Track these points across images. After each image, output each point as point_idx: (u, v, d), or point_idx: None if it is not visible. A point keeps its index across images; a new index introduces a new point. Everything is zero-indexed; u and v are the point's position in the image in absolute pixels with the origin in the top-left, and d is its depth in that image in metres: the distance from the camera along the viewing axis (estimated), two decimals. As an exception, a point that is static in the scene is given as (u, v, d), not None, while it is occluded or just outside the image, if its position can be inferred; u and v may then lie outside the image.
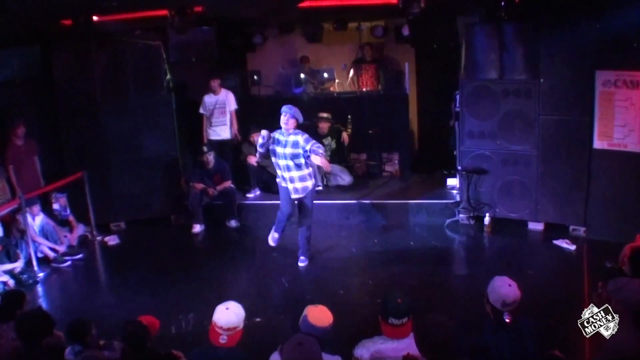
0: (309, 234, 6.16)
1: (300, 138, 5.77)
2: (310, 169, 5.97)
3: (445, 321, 2.66)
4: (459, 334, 2.64)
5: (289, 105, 5.89)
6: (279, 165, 5.93)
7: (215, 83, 8.02)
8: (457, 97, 8.28)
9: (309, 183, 5.96)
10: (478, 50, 6.83)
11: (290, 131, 5.80)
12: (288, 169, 5.86)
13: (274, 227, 6.23)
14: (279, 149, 5.85)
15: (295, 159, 5.80)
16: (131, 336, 3.34)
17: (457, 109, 8.31)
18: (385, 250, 6.66)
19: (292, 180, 5.90)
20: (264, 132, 5.88)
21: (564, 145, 6.50)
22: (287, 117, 5.79)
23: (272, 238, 6.25)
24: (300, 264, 6.15)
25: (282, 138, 5.83)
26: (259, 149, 5.98)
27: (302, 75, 9.27)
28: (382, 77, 9.02)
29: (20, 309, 3.83)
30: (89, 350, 3.57)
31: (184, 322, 5.02)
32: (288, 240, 6.37)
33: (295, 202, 6.06)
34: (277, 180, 6.13)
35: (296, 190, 5.93)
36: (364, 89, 9.18)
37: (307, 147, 5.70)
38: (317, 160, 5.71)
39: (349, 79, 9.42)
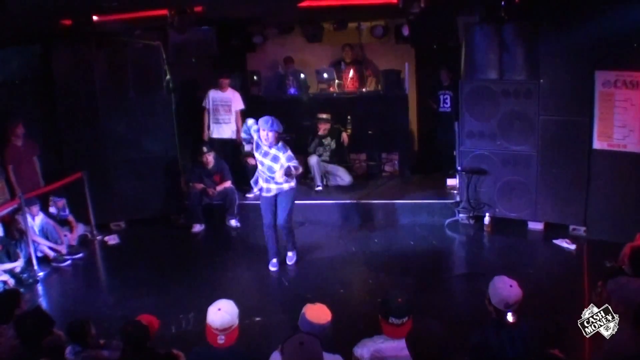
0: (290, 230, 6.03)
1: (282, 155, 5.66)
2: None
3: (437, 327, 2.66)
4: (451, 340, 2.64)
5: (266, 119, 5.63)
6: (262, 163, 5.83)
7: (225, 82, 8.02)
8: (442, 97, 8.41)
9: (293, 183, 5.86)
10: (478, 50, 6.83)
11: (272, 144, 5.68)
12: (270, 170, 5.79)
13: (270, 255, 6.11)
14: (259, 156, 5.80)
15: (273, 171, 5.74)
16: (131, 336, 3.34)
17: (442, 110, 8.44)
18: (385, 249, 6.66)
19: (277, 182, 5.82)
20: (250, 121, 5.80)
21: (564, 145, 6.49)
22: (267, 132, 5.59)
23: (272, 264, 6.11)
24: (289, 262, 6.10)
25: (263, 147, 5.74)
26: (242, 134, 5.91)
27: (302, 76, 9.29)
28: (382, 77, 9.03)
29: (18, 308, 3.82)
30: (89, 350, 3.58)
31: (184, 321, 5.01)
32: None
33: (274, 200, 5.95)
34: (260, 187, 5.98)
35: (277, 184, 5.83)
36: (346, 90, 9.18)
37: (287, 165, 5.63)
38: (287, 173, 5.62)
39: (349, 79, 9.42)
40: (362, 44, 9.65)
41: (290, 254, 6.17)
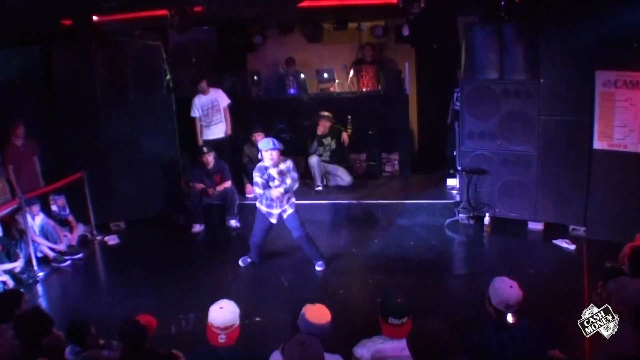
0: (309, 239, 6.05)
1: (290, 164, 5.77)
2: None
3: (438, 326, 2.65)
4: (451, 340, 2.63)
5: (268, 140, 5.66)
6: (273, 197, 5.79)
7: (204, 84, 7.98)
8: (456, 94, 8.36)
9: (294, 199, 5.95)
10: (478, 50, 6.82)
11: (278, 163, 5.71)
12: (282, 195, 5.81)
13: (251, 253, 6.22)
14: (275, 183, 5.76)
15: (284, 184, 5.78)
16: (129, 336, 3.34)
17: (456, 107, 8.38)
18: (385, 250, 6.66)
19: (281, 205, 5.86)
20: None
21: (564, 145, 6.49)
22: (273, 152, 5.60)
23: (243, 260, 6.26)
24: (318, 268, 6.04)
25: (272, 172, 5.72)
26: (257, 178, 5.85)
27: (302, 76, 9.30)
28: (382, 77, 9.03)
29: (19, 308, 3.83)
30: (89, 350, 3.58)
31: (184, 322, 5.01)
32: (287, 240, 6.36)
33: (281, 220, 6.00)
34: (258, 206, 5.97)
35: (285, 211, 5.89)
36: (364, 90, 9.19)
37: (289, 177, 5.73)
38: (277, 191, 5.71)
39: (349, 79, 9.43)
40: (382, 44, 9.66)
41: (319, 262, 6.07)
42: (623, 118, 6.08)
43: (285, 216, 5.93)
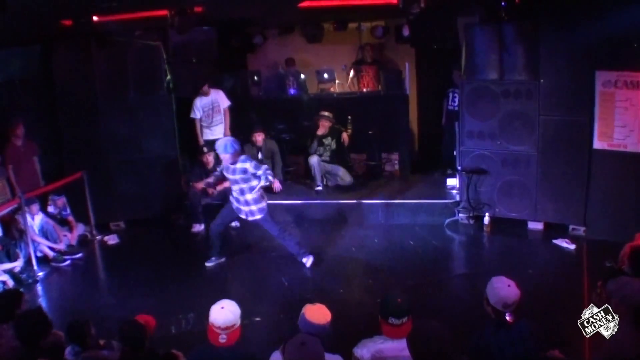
0: (291, 237, 6.15)
1: (249, 165, 5.76)
2: (261, 190, 5.93)
3: (439, 328, 2.65)
4: (451, 340, 2.63)
5: (219, 144, 5.79)
6: (233, 190, 5.97)
7: (206, 88, 8.03)
8: (450, 95, 8.39)
9: (264, 203, 5.98)
10: (478, 50, 6.83)
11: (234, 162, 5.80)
12: (242, 192, 5.86)
13: (212, 251, 6.31)
14: (230, 176, 5.90)
15: (247, 182, 5.81)
16: (128, 336, 3.33)
17: (450, 108, 8.41)
18: (385, 250, 6.66)
19: (247, 204, 5.90)
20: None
21: (564, 145, 6.49)
22: (222, 155, 5.75)
23: (210, 261, 6.32)
24: (306, 263, 6.08)
25: (232, 167, 5.84)
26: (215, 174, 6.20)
27: (302, 76, 9.30)
28: (382, 77, 9.03)
29: (19, 308, 3.82)
30: (89, 351, 3.58)
31: (184, 322, 5.02)
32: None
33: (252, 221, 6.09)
34: (231, 199, 6.07)
35: (252, 213, 5.94)
36: (364, 90, 9.19)
37: (259, 173, 5.74)
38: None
39: (349, 79, 9.43)
40: (383, 44, 9.69)
41: (304, 257, 6.11)
42: (623, 118, 6.09)
43: (251, 219, 6.00)
